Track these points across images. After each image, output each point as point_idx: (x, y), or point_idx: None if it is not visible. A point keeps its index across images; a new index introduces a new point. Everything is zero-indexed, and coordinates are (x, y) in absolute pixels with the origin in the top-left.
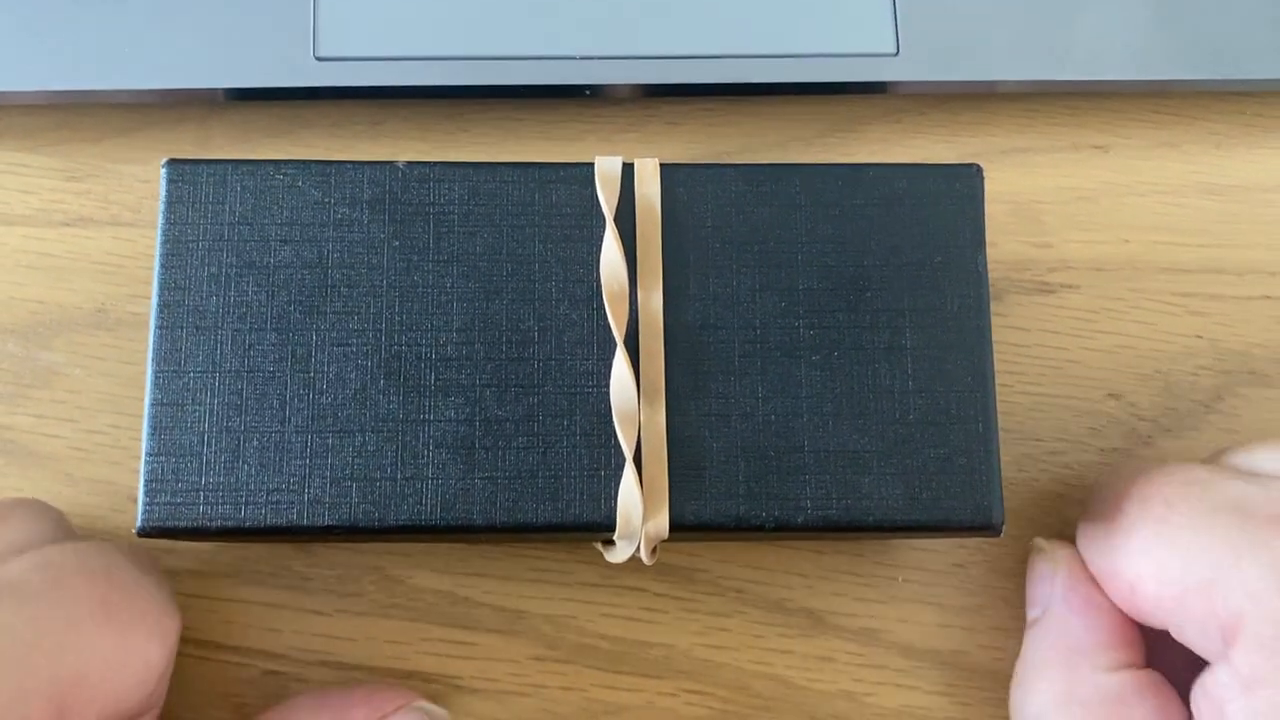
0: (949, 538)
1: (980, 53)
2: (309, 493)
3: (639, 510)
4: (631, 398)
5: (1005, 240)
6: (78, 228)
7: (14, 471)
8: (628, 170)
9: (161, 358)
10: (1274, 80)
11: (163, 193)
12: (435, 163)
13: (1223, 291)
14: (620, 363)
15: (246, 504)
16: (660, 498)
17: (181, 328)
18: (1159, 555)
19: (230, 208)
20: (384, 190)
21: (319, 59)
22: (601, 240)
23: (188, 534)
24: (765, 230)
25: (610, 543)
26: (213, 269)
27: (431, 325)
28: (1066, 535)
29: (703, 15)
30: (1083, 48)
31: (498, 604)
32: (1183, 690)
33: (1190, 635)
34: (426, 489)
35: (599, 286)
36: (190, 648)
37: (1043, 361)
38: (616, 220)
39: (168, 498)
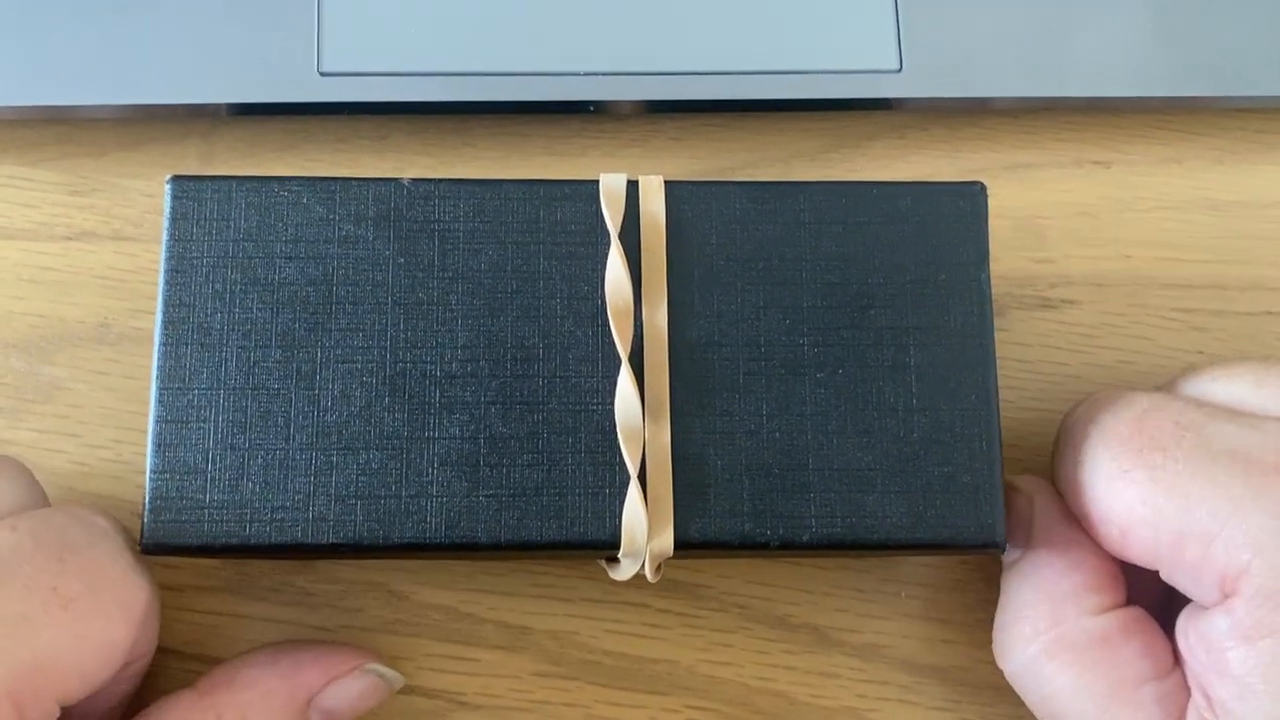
0: (953, 555)
1: (983, 69)
2: (313, 510)
3: (644, 528)
4: (636, 415)
5: (1007, 255)
6: (80, 242)
7: None
8: (632, 187)
9: (166, 375)
10: (1275, 96)
11: (167, 209)
12: (440, 180)
13: (1224, 307)
14: (625, 380)
15: (251, 522)
16: (665, 516)
17: (186, 345)
18: (1156, 503)
19: (235, 224)
20: (389, 207)
21: (323, 74)
22: (606, 257)
23: (192, 552)
24: (769, 247)
25: (615, 560)
26: (217, 286)
27: (436, 342)
28: None
29: (707, 32)
30: (1085, 64)
31: (500, 620)
32: (1156, 614)
33: (1182, 580)
34: (431, 507)
35: (604, 303)
36: (190, 663)
37: (1044, 377)
38: (621, 237)
39: (172, 516)
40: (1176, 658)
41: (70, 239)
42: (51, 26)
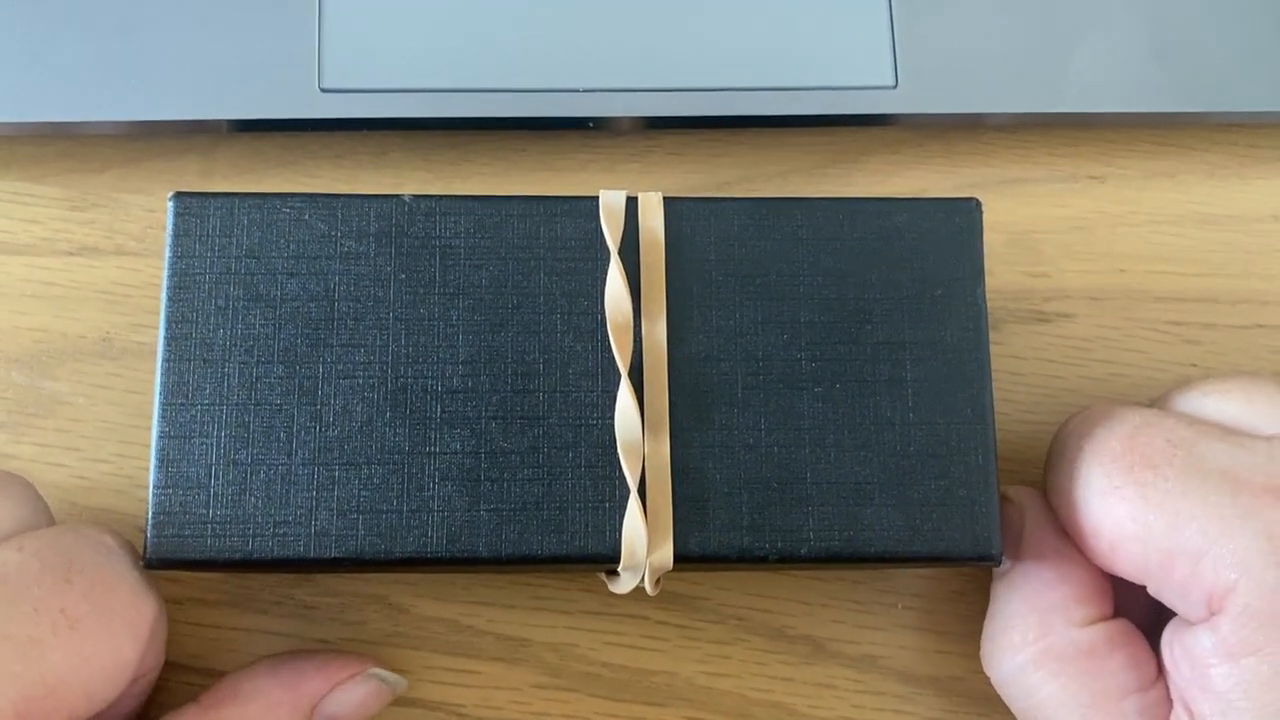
0: (949, 568)
1: (978, 85)
2: (316, 525)
3: (643, 542)
4: (636, 429)
5: (1002, 270)
6: (82, 257)
7: None
8: (631, 204)
9: (169, 390)
10: (1268, 112)
11: (170, 225)
12: (441, 196)
13: (1216, 320)
14: (624, 395)
15: (254, 536)
16: (664, 529)
17: (189, 360)
18: (1146, 520)
19: (237, 240)
20: (390, 223)
21: (324, 90)
22: (606, 273)
23: (195, 566)
24: (767, 263)
25: (614, 573)
26: (219, 302)
27: (437, 358)
28: None
29: (705, 48)
30: (1079, 80)
31: (500, 632)
32: (1142, 626)
33: (1170, 596)
34: (432, 521)
35: (603, 319)
36: (193, 676)
37: (1039, 390)
38: (621, 253)
39: (175, 530)
40: (1161, 671)
41: (72, 254)
42: (54, 43)
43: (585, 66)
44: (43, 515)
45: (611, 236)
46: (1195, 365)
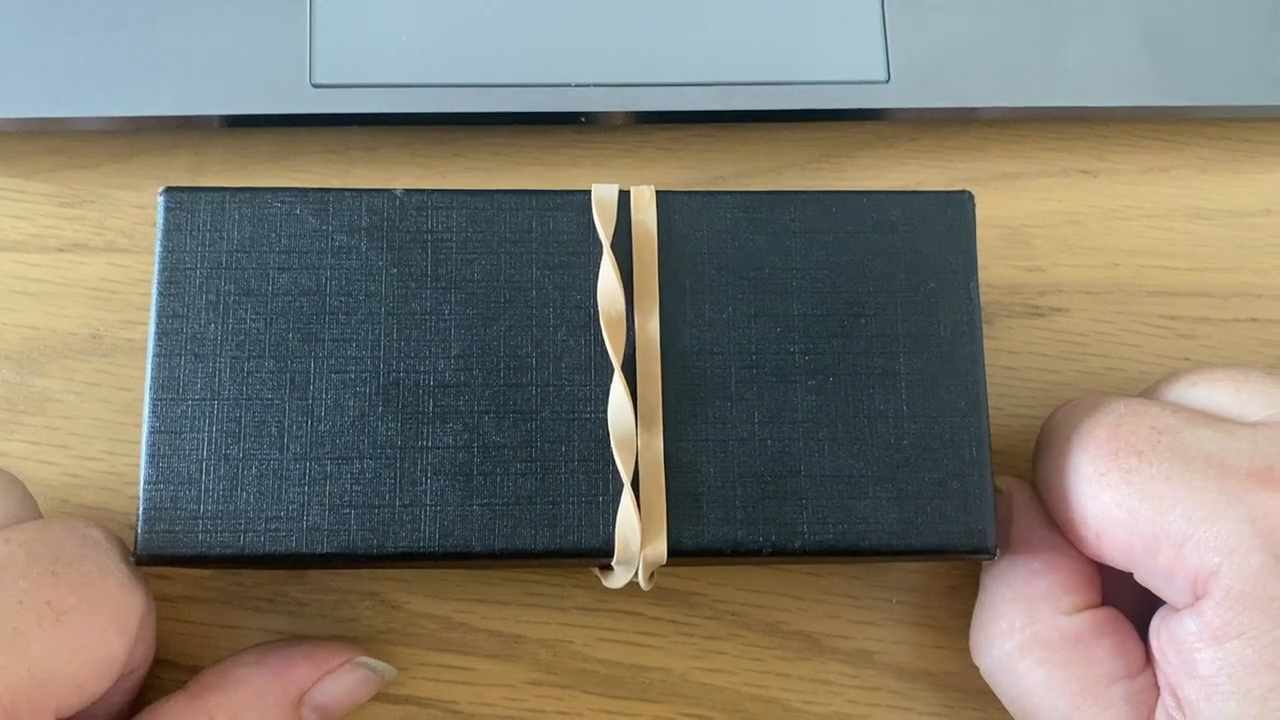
0: (943, 561)
1: (970, 80)
2: (307, 520)
3: (637, 536)
4: (629, 423)
5: (996, 264)
6: (72, 253)
7: None
8: (624, 198)
9: (159, 385)
10: (1259, 106)
11: (160, 220)
12: (433, 190)
13: (1209, 314)
14: (618, 388)
15: (245, 532)
16: (658, 523)
17: (179, 355)
18: (1130, 506)
19: (228, 235)
20: (382, 218)
21: (315, 86)
22: (598, 267)
23: (186, 562)
24: (760, 257)
25: (608, 568)
26: (211, 296)
27: (429, 352)
28: None
29: (697, 43)
30: (1072, 74)
31: (494, 629)
32: (1130, 615)
33: (1156, 582)
34: (425, 516)
35: (596, 313)
36: (186, 674)
37: (1033, 384)
38: (613, 247)
39: (166, 526)
40: (1148, 658)
41: (62, 250)
42: (44, 39)
43: (577, 61)
44: (30, 510)
45: (604, 230)
46: (1188, 359)
